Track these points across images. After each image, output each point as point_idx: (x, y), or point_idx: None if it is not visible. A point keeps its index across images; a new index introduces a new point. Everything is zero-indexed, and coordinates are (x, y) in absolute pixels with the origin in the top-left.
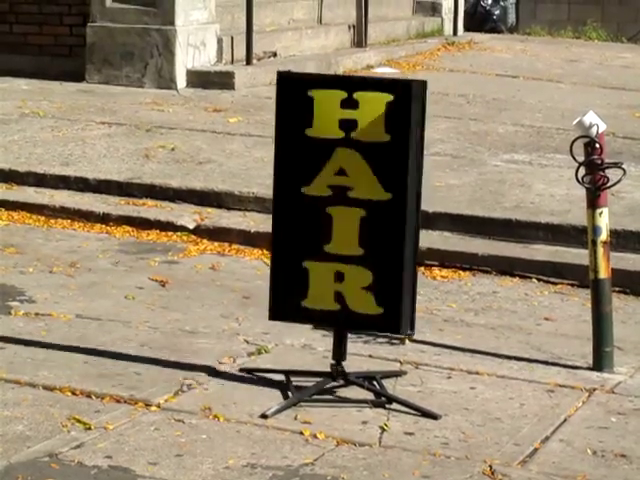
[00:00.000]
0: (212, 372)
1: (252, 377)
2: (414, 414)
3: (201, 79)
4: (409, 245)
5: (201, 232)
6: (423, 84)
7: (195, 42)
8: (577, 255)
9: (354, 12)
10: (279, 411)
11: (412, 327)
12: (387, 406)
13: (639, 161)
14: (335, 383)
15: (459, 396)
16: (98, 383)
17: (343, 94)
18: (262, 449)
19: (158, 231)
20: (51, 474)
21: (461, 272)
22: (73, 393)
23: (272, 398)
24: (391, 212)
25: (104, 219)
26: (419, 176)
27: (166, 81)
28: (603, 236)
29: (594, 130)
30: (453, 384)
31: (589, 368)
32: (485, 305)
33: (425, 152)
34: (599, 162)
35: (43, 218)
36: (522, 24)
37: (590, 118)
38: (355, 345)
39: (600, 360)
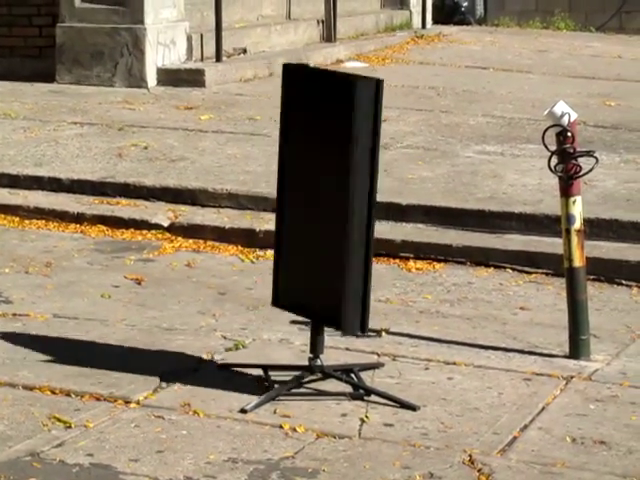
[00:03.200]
0: (190, 368)
1: (230, 372)
2: (393, 406)
3: (171, 77)
4: None
5: (176, 230)
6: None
7: (165, 40)
8: (551, 244)
9: (322, 7)
10: (258, 406)
11: None
12: (366, 398)
13: (611, 149)
14: (313, 377)
15: (437, 387)
16: (77, 382)
17: None
18: (242, 444)
19: (133, 229)
20: (33, 473)
21: (436, 263)
22: (53, 392)
23: (251, 393)
24: None
25: (78, 219)
26: None
27: (137, 80)
28: (577, 224)
29: (565, 119)
30: (431, 375)
31: (566, 356)
32: (460, 296)
33: (397, 145)
34: (571, 151)
35: (17, 219)
36: (490, 15)
37: (561, 108)
38: (332, 338)
39: (576, 348)
